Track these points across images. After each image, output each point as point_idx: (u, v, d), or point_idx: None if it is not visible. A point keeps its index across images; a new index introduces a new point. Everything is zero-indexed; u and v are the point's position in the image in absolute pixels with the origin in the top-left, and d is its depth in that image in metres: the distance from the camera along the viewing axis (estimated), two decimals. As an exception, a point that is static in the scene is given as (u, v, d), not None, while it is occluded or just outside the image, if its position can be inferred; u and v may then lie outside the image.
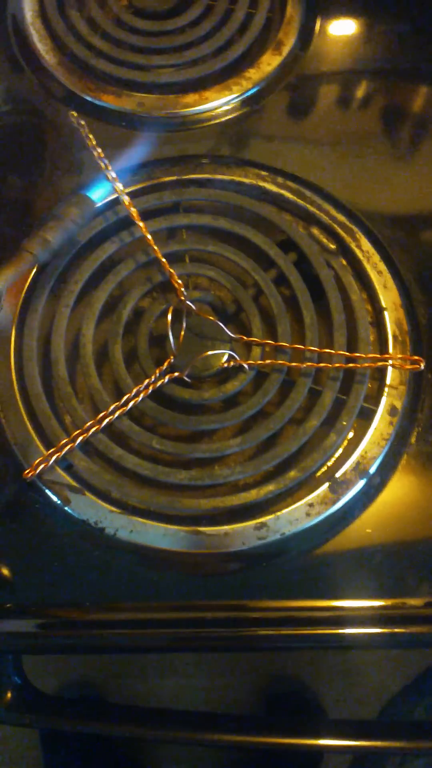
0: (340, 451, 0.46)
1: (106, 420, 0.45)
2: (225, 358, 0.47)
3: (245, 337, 0.48)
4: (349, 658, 0.56)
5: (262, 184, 0.55)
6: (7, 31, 0.64)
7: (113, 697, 0.58)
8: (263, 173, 0.56)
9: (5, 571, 0.44)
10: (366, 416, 0.47)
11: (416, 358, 0.48)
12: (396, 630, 0.43)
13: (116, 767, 0.60)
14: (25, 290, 0.51)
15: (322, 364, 0.47)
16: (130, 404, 0.46)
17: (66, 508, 0.44)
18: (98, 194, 0.51)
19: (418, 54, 0.64)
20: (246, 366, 0.47)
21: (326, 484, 0.45)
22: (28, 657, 0.50)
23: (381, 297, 0.50)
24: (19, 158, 0.58)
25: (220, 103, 0.60)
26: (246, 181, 0.55)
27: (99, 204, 0.51)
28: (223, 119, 0.60)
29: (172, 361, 0.47)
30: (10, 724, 0.51)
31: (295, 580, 0.44)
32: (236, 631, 0.43)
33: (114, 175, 0.51)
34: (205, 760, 0.59)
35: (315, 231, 0.53)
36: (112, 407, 0.45)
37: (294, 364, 0.47)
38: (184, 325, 0.48)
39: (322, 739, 0.48)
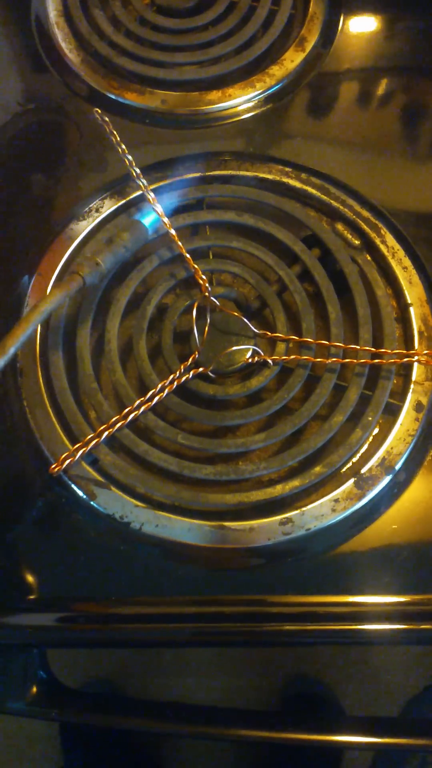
0: (365, 447, 0.46)
1: (132, 415, 0.45)
2: (249, 353, 0.47)
3: (269, 333, 0.48)
4: (370, 657, 0.56)
5: (285, 180, 0.55)
6: (31, 31, 0.65)
7: (135, 693, 0.58)
8: (287, 169, 0.55)
9: (32, 566, 0.44)
10: (392, 412, 0.47)
11: (442, 354, 0.48)
12: (422, 626, 0.43)
13: (135, 762, 0.60)
14: (50, 287, 0.51)
15: (347, 360, 0.47)
16: (155, 399, 0.46)
17: (92, 503, 0.44)
18: (149, 220, 0.50)
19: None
20: (270, 361, 0.47)
21: (352, 480, 0.45)
22: (53, 652, 0.50)
23: (406, 293, 0.50)
24: (44, 156, 0.59)
25: (243, 100, 0.60)
26: (270, 177, 0.55)
27: (151, 233, 0.50)
28: (247, 116, 0.60)
29: (197, 356, 0.48)
30: (36, 717, 0.51)
31: (320, 576, 0.44)
32: (260, 626, 0.43)
33: (138, 171, 0.51)
34: (226, 756, 0.59)
35: (339, 227, 0.52)
36: (137, 402, 0.46)
37: (319, 359, 0.47)
38: (208, 320, 0.48)
39: (342, 736, 0.47)
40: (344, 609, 0.43)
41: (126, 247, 0.48)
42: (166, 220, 0.50)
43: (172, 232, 0.50)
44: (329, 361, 0.47)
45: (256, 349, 0.47)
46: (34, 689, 0.49)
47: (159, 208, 0.50)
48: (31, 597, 0.43)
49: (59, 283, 0.47)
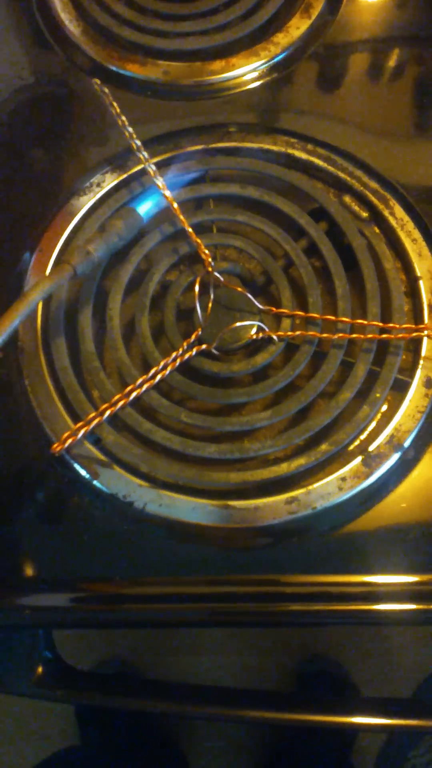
0: (373, 424, 0.45)
1: (134, 393, 0.44)
2: (254, 330, 0.46)
3: (275, 309, 0.47)
4: (381, 638, 0.55)
5: (291, 151, 0.53)
6: (30, 1, 0.63)
7: (143, 674, 0.58)
8: (292, 140, 0.54)
9: (34, 546, 0.44)
10: (400, 388, 0.46)
11: (453, 328, 0.46)
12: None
13: (149, 742, 0.60)
14: (51, 265, 0.50)
15: (354, 335, 0.46)
16: (158, 377, 0.45)
17: (94, 482, 0.44)
18: (145, 208, 0.49)
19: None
20: (275, 338, 0.46)
21: (359, 458, 0.44)
22: (58, 632, 0.50)
23: (416, 266, 0.49)
24: (44, 131, 0.57)
25: (247, 70, 0.58)
26: (275, 148, 0.53)
27: (146, 218, 0.49)
28: (251, 86, 0.58)
29: (200, 333, 0.47)
30: (40, 698, 0.51)
31: (327, 555, 0.43)
32: (267, 606, 0.42)
33: (139, 143, 0.50)
34: (237, 737, 0.59)
35: (347, 199, 0.51)
36: (139, 381, 0.45)
37: (325, 335, 0.46)
38: (212, 296, 0.47)
39: (354, 717, 0.47)
40: (352, 589, 0.42)
41: (119, 236, 0.47)
42: (168, 193, 0.49)
43: (175, 206, 0.49)
44: (336, 336, 0.46)
45: (261, 325, 0.46)
46: (40, 669, 0.49)
47: (160, 182, 0.49)
48: (33, 578, 0.43)
49: (49, 272, 0.46)
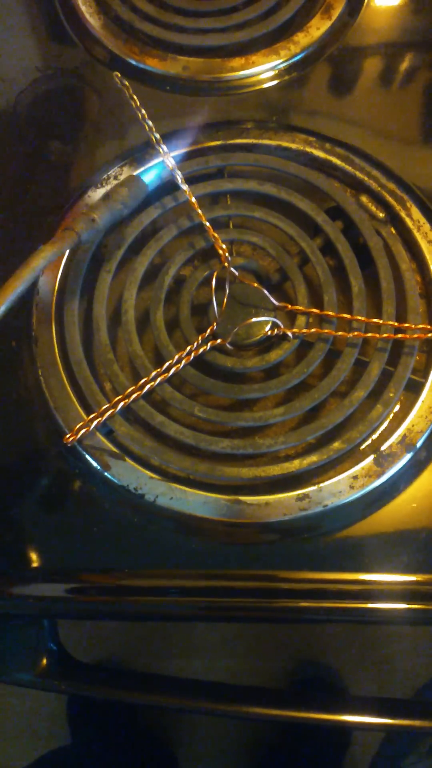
0: (386, 423, 0.45)
1: (147, 386, 0.44)
2: (269, 326, 0.46)
3: (290, 306, 0.47)
4: (383, 639, 0.55)
5: (309, 149, 0.53)
6: (51, -6, 0.63)
7: (144, 669, 0.58)
8: (311, 139, 0.54)
9: (44, 536, 0.44)
10: (414, 389, 0.46)
11: (467, 330, 0.46)
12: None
13: (142, 737, 0.60)
14: (66, 256, 0.50)
15: (369, 335, 0.46)
16: (172, 371, 0.45)
17: (106, 474, 0.44)
18: (150, 176, 0.49)
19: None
20: (290, 334, 0.46)
21: (371, 457, 0.44)
22: (64, 625, 0.50)
23: (431, 267, 0.49)
24: (63, 123, 0.58)
25: (267, 68, 0.58)
26: (293, 146, 0.53)
27: (151, 187, 0.49)
28: (270, 84, 0.58)
29: (215, 328, 0.46)
30: (44, 690, 0.51)
31: (337, 553, 0.43)
32: (275, 602, 0.42)
33: (158, 136, 0.50)
34: (234, 734, 0.58)
35: (364, 199, 0.51)
36: (153, 374, 0.45)
37: (340, 333, 0.46)
38: (227, 291, 0.47)
39: (352, 716, 0.47)
40: (361, 587, 0.42)
41: (124, 204, 0.46)
42: (185, 187, 0.49)
43: (193, 200, 0.49)
44: (351, 335, 0.45)
45: (276, 321, 0.46)
46: (44, 661, 0.49)
47: (179, 176, 0.49)
48: (43, 567, 0.43)
49: (53, 239, 0.45)
